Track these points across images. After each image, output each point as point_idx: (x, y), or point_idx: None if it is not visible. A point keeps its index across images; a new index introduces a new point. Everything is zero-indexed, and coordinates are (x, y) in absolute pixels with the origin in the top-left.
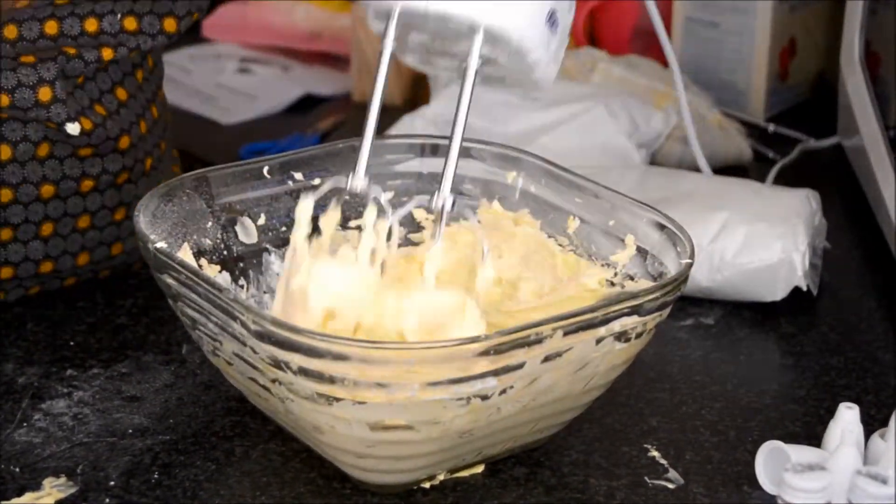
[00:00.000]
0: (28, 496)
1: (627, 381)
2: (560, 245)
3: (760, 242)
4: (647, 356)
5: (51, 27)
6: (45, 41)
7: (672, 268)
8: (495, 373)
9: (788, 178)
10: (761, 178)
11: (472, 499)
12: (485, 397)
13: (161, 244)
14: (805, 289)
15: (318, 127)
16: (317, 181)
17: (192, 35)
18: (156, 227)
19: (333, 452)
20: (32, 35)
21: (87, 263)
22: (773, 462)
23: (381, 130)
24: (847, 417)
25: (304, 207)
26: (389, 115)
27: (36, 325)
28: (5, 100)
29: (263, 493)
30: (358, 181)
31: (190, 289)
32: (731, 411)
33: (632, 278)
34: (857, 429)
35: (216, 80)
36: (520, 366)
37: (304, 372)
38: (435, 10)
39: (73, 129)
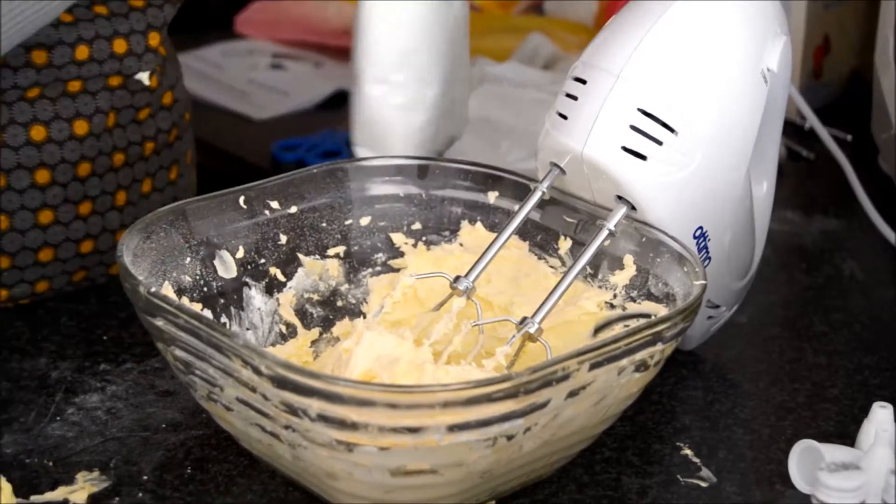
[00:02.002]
0: (61, 490)
1: (660, 379)
2: (552, 267)
3: None
4: (680, 354)
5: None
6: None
7: (678, 288)
8: (523, 412)
9: (820, 176)
10: (797, 176)
11: (505, 496)
12: (510, 437)
13: (152, 288)
14: None
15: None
16: (293, 209)
17: (224, 31)
18: (137, 266)
19: (346, 499)
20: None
21: None
22: (806, 461)
23: None
24: (881, 417)
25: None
26: None
27: (69, 319)
28: (84, 51)
29: (296, 488)
30: (466, 283)
31: (189, 333)
32: (763, 410)
33: (633, 300)
34: (891, 428)
35: (248, 76)
36: (545, 403)
37: (323, 418)
38: (598, 187)
39: (143, 77)
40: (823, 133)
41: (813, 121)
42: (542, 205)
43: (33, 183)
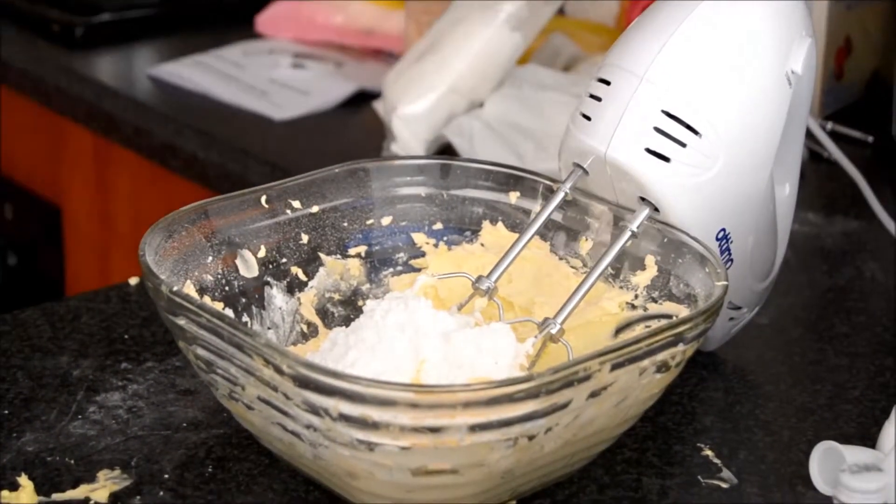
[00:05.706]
0: (83, 488)
1: (680, 380)
2: (573, 267)
3: None
4: (701, 355)
5: None
6: None
7: (699, 289)
8: (544, 412)
9: (841, 177)
10: (818, 177)
11: (525, 496)
12: (531, 437)
13: (174, 287)
14: None
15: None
16: (315, 209)
17: (245, 30)
18: (159, 265)
19: (367, 498)
20: None
21: None
22: (827, 462)
23: None
24: None
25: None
26: None
27: (91, 318)
28: None
29: (316, 488)
30: (488, 283)
31: (211, 332)
32: (784, 411)
33: (654, 300)
34: None
35: (269, 76)
36: (567, 403)
37: (344, 417)
38: (621, 188)
39: None
40: (830, 143)
41: (816, 131)
42: (563, 205)
43: None
